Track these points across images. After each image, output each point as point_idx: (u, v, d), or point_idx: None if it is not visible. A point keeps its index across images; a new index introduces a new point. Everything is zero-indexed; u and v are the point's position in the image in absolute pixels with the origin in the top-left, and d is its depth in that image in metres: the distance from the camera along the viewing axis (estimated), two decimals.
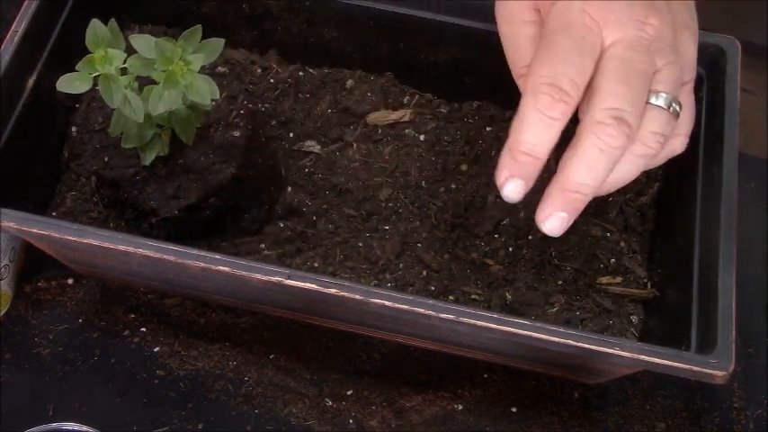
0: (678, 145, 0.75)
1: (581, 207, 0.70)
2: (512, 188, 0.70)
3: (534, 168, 0.70)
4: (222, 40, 0.80)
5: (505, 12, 0.77)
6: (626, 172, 0.71)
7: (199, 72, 0.77)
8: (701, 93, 0.87)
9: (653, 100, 0.69)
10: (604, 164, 0.68)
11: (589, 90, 0.69)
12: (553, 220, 0.70)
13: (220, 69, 0.90)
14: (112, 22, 0.78)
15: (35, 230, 0.75)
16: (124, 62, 0.77)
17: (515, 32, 0.76)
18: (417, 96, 0.95)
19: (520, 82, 0.75)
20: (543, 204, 0.71)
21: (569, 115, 0.68)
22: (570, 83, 0.68)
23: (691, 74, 0.74)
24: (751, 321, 0.94)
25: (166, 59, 0.76)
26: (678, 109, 0.71)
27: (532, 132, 0.69)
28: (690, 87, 0.74)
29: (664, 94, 0.70)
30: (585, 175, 0.69)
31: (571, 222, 0.71)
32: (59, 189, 0.89)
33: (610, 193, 0.78)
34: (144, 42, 0.77)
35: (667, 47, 0.70)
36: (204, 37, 0.79)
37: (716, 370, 0.71)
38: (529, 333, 0.72)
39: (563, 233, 0.71)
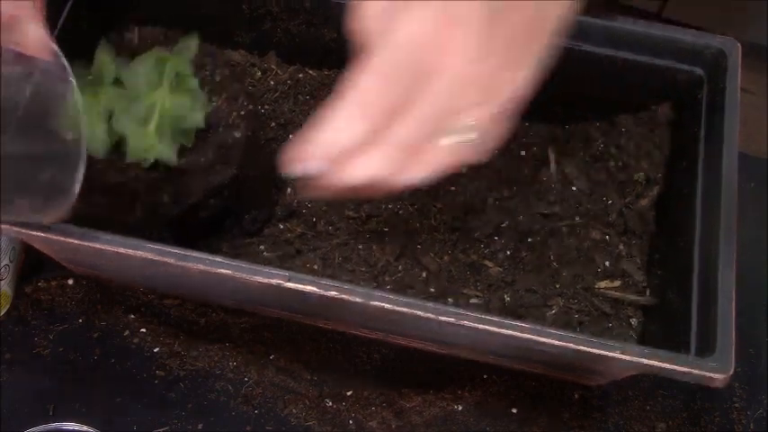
0: (483, 152, 0.75)
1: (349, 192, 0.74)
2: (305, 167, 0.72)
3: (327, 164, 0.71)
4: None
5: None
6: (410, 179, 0.73)
7: (197, 76, 0.78)
8: (701, 93, 0.87)
9: (456, 128, 0.71)
10: (377, 171, 0.71)
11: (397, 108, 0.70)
12: (302, 167, 0.73)
13: (221, 71, 0.90)
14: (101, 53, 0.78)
15: (34, 233, 0.74)
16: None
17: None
18: None
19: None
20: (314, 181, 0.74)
21: (374, 125, 0.70)
22: (383, 104, 0.69)
23: (511, 106, 0.74)
24: (751, 321, 0.94)
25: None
26: (477, 138, 0.72)
27: (336, 136, 0.70)
28: (505, 116, 0.74)
29: (467, 127, 0.71)
30: (354, 171, 0.71)
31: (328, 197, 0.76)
32: None
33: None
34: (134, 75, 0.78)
35: (485, 85, 0.71)
36: (204, 39, 0.79)
37: (715, 373, 0.71)
38: (529, 336, 0.72)
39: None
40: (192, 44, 0.79)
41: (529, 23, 0.73)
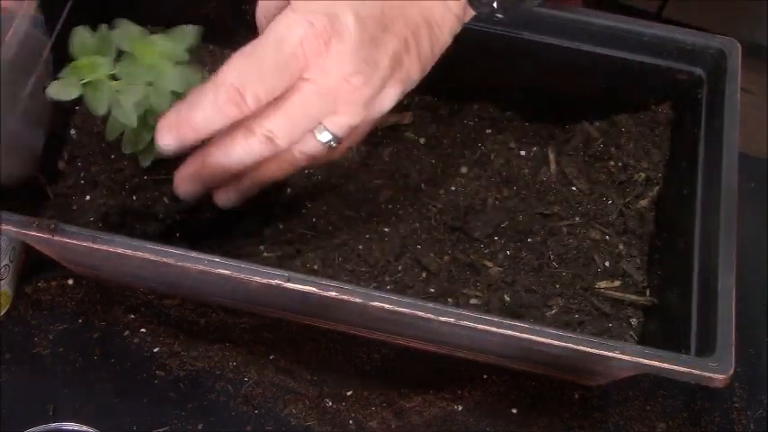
0: (336, 154, 0.81)
1: (211, 180, 0.81)
2: (167, 144, 0.76)
3: (192, 139, 0.75)
4: (198, 28, 0.81)
5: None
6: (276, 169, 0.80)
7: (196, 74, 0.78)
8: (701, 93, 0.87)
9: (317, 132, 0.75)
10: (241, 157, 0.76)
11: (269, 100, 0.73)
12: (186, 185, 0.81)
13: None
14: (103, 27, 0.78)
15: (34, 233, 0.74)
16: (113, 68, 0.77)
17: None
18: (417, 98, 0.94)
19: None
20: (182, 168, 0.81)
21: (240, 118, 0.73)
22: (253, 97, 0.72)
23: (378, 117, 0.78)
24: (752, 321, 0.94)
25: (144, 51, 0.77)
26: (334, 144, 0.77)
27: (203, 115, 0.73)
28: (363, 132, 0.80)
29: (328, 134, 0.76)
30: (223, 157, 0.77)
31: (197, 189, 0.81)
32: (58, 191, 0.89)
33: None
34: (125, 33, 0.78)
35: (358, 101, 0.74)
36: (203, 40, 0.79)
37: (716, 373, 0.71)
38: (529, 336, 0.72)
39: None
40: (190, 32, 0.79)
41: (419, 45, 0.76)
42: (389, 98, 0.76)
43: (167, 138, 0.75)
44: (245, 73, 0.72)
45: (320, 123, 0.75)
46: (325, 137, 0.76)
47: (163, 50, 0.78)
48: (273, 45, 0.72)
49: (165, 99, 0.78)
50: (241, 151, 0.75)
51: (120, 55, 0.78)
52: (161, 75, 0.77)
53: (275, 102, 0.73)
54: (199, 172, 0.79)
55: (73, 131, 0.90)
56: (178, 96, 0.78)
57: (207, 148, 0.77)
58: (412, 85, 0.78)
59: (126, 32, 0.78)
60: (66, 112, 0.90)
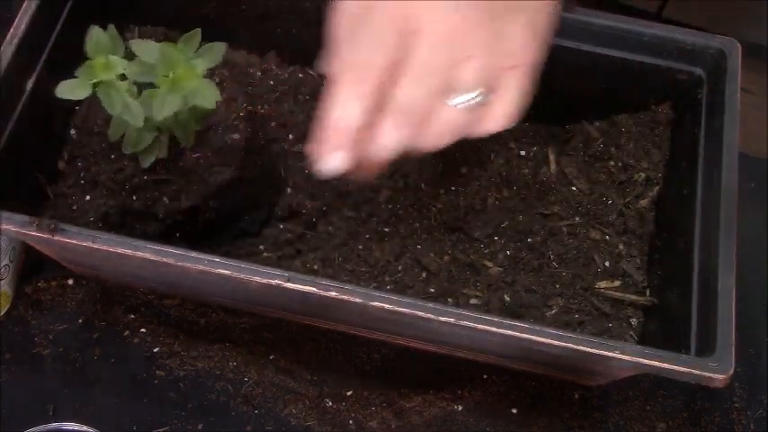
0: (491, 125, 0.73)
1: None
2: (335, 160, 0.71)
3: (348, 138, 0.70)
4: (224, 45, 0.80)
5: None
6: (431, 143, 0.72)
7: (213, 85, 0.78)
8: (701, 93, 0.87)
9: (452, 96, 0.70)
10: (394, 142, 0.70)
11: (395, 71, 0.69)
12: (332, 160, 0.72)
13: (220, 72, 0.90)
14: (111, 27, 0.78)
15: (34, 233, 0.74)
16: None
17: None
18: None
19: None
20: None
21: (374, 91, 0.69)
22: (369, 67, 0.68)
23: (516, 59, 0.71)
24: (752, 321, 0.94)
25: (170, 65, 0.76)
26: (480, 99, 0.70)
27: (343, 107, 0.69)
28: (517, 72, 0.71)
29: (463, 89, 0.70)
30: (381, 145, 0.71)
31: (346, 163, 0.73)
32: (58, 191, 0.89)
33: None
34: (146, 48, 0.77)
35: (482, 35, 0.69)
36: (204, 39, 0.79)
37: (716, 373, 0.71)
38: (529, 336, 0.72)
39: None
40: (195, 36, 0.79)
41: None
42: (516, 32, 0.70)
43: (328, 153, 0.71)
44: (351, 48, 0.69)
45: (453, 73, 0.69)
46: (466, 89, 0.70)
47: (193, 72, 0.77)
48: (371, 16, 0.68)
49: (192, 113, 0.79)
50: (393, 132, 0.70)
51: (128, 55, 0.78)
52: (187, 90, 0.77)
53: (397, 71, 0.68)
54: (364, 166, 0.74)
55: (73, 131, 0.90)
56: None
57: (371, 138, 0.72)
58: (538, 12, 0.71)
59: (147, 49, 0.78)
60: (66, 111, 0.90)
